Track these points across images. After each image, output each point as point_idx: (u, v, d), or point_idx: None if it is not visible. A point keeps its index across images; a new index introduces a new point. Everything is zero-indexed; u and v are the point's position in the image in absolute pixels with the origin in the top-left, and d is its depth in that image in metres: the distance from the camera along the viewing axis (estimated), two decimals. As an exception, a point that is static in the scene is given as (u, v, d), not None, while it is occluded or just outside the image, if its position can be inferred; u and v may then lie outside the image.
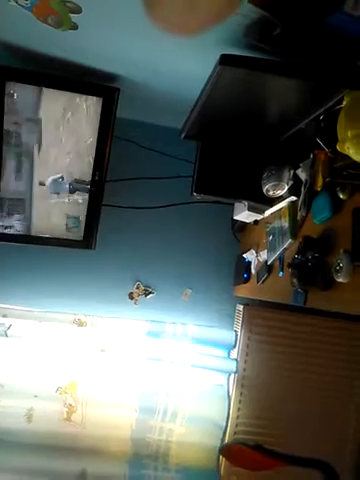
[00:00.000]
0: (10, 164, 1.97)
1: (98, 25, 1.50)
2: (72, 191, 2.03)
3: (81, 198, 2.08)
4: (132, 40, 1.56)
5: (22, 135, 1.93)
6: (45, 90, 1.85)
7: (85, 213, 2.11)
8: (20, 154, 1.97)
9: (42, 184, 2.03)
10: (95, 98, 1.93)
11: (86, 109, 1.94)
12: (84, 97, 1.91)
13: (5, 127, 1.88)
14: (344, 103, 1.27)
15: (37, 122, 1.92)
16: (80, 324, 2.21)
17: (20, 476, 2.08)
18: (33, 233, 2.11)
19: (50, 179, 2.03)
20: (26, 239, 2.11)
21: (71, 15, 1.44)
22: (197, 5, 0.75)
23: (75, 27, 1.51)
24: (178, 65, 1.71)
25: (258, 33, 1.29)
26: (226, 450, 2.25)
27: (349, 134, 1.19)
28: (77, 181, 2.03)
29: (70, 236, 2.15)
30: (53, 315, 2.22)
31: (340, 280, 1.29)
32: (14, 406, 2.16)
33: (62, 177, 2.03)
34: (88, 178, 2.05)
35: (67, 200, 2.07)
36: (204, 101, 1.41)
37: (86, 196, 2.08)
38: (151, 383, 2.26)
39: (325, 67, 1.24)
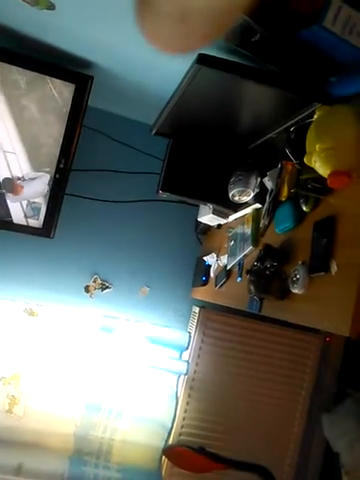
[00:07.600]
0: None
1: (76, 7, 1.45)
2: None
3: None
4: (111, 28, 1.52)
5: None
6: (15, 69, 1.79)
7: (46, 200, 2.05)
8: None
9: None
10: (67, 84, 1.88)
11: (57, 94, 1.88)
12: (56, 81, 1.86)
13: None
14: (315, 117, 1.28)
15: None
16: (31, 314, 2.15)
17: None
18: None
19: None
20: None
21: (48, -6, 1.40)
22: (188, 23, 0.75)
23: (52, 7, 1.46)
24: (156, 60, 1.67)
25: (238, 37, 1.28)
26: (169, 451, 2.24)
27: (317, 148, 1.20)
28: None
29: (29, 223, 2.08)
30: (2, 302, 2.14)
31: (295, 291, 1.30)
32: None
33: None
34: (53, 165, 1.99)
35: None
36: (177, 99, 1.39)
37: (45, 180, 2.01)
38: (99, 380, 2.22)
39: (300, 79, 1.25)
